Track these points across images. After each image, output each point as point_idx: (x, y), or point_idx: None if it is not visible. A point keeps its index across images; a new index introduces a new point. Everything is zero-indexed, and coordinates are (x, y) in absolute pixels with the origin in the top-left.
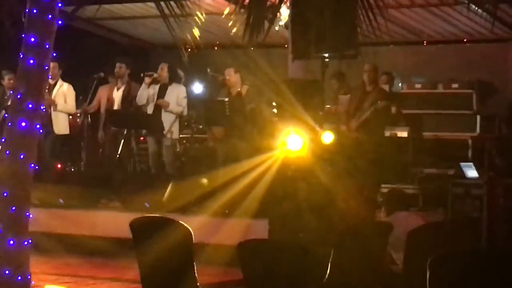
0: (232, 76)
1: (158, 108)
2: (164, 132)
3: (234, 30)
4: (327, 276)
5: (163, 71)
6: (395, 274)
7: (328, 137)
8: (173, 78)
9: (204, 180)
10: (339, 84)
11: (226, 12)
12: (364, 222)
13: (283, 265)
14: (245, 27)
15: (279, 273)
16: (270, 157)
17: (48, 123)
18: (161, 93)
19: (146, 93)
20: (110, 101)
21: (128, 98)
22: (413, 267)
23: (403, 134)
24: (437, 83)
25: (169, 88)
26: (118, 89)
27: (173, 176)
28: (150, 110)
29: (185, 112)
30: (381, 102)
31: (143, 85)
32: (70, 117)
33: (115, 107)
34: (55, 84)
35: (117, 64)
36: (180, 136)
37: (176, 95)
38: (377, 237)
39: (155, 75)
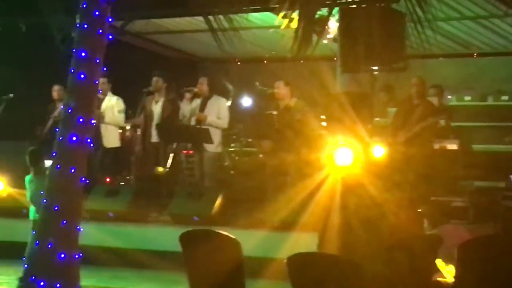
0: (281, 88)
1: (199, 122)
2: (214, 147)
3: (283, 43)
4: None
5: (202, 85)
6: None
7: (379, 150)
8: (214, 91)
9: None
10: (388, 97)
11: (274, 25)
12: (414, 235)
13: (334, 279)
14: (294, 40)
15: (329, 287)
16: (321, 174)
17: (97, 136)
18: (202, 107)
19: (188, 108)
20: (150, 114)
21: (167, 111)
22: (465, 281)
23: (453, 147)
24: (486, 95)
25: (209, 101)
26: (156, 102)
27: (222, 189)
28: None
29: (225, 125)
30: (429, 119)
31: (184, 100)
32: (120, 130)
33: (154, 120)
34: (104, 98)
35: (154, 78)
36: (229, 149)
37: (217, 108)
38: (427, 251)
39: (195, 89)
